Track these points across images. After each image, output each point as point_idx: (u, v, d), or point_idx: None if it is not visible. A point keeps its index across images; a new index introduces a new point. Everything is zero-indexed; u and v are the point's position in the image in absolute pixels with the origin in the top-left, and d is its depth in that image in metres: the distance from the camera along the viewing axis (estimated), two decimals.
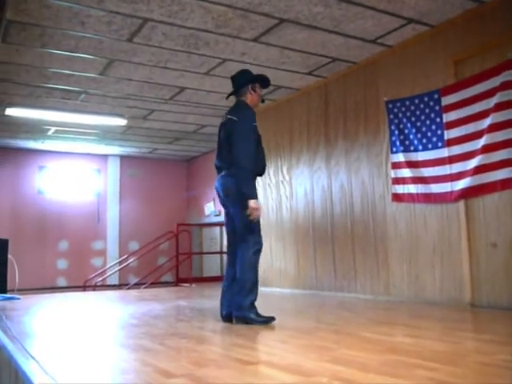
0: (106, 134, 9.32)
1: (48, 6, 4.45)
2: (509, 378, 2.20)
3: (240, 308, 3.78)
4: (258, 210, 3.80)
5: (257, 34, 5.16)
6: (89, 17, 4.69)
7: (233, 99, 4.28)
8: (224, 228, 4.41)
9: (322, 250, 6.47)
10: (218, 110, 7.92)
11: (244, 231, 3.87)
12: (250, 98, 4.12)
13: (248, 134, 3.87)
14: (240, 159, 3.80)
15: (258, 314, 3.79)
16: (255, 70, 6.09)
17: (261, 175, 4.21)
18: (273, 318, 3.79)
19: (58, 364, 2.58)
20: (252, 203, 3.74)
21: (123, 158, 11.43)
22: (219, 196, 4.10)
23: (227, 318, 3.89)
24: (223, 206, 4.14)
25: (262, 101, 4.28)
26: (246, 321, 3.75)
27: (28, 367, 2.40)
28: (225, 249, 10.29)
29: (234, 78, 4.22)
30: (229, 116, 4.00)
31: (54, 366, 2.45)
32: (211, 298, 6.44)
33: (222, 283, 4.07)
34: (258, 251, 3.91)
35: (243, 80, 4.15)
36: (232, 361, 2.61)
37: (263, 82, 4.24)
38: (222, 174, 3.99)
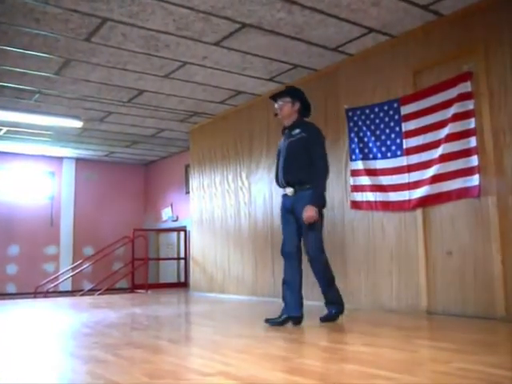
0: (60, 136, 9.06)
1: (1, 0, 4.27)
2: None
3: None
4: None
5: (219, 37, 5.11)
6: (44, 14, 4.53)
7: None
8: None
9: (280, 257, 6.42)
10: (177, 114, 7.82)
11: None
12: None
13: None
14: None
15: None
16: (216, 75, 6.14)
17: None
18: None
19: (2, 375, 2.44)
20: None
21: (79, 161, 11.14)
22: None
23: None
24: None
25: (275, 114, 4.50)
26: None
27: None
28: (182, 255, 10.23)
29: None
30: None
31: None
32: (167, 305, 6.32)
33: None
34: None
35: None
36: (189, 372, 2.53)
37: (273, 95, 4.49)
38: None
